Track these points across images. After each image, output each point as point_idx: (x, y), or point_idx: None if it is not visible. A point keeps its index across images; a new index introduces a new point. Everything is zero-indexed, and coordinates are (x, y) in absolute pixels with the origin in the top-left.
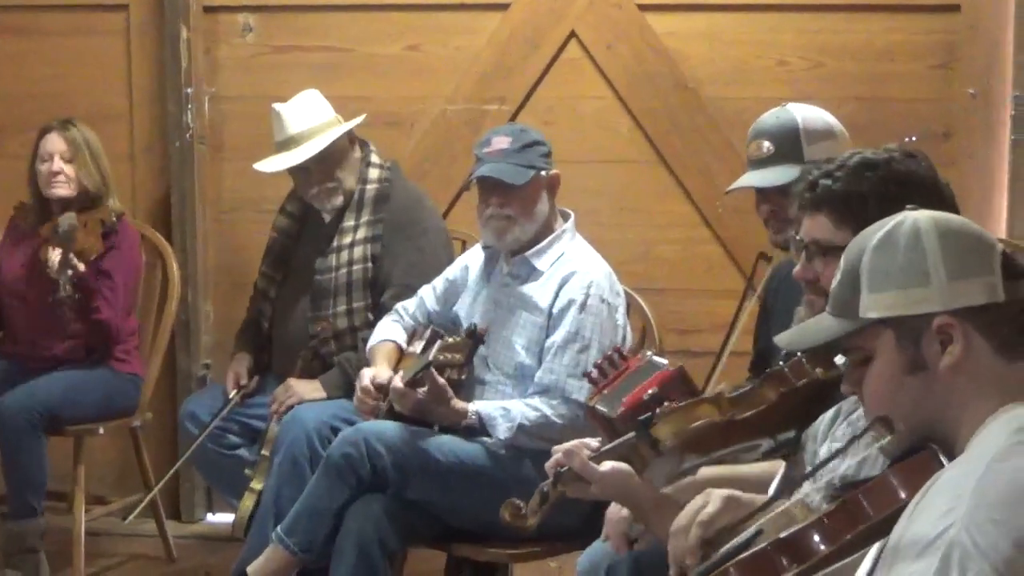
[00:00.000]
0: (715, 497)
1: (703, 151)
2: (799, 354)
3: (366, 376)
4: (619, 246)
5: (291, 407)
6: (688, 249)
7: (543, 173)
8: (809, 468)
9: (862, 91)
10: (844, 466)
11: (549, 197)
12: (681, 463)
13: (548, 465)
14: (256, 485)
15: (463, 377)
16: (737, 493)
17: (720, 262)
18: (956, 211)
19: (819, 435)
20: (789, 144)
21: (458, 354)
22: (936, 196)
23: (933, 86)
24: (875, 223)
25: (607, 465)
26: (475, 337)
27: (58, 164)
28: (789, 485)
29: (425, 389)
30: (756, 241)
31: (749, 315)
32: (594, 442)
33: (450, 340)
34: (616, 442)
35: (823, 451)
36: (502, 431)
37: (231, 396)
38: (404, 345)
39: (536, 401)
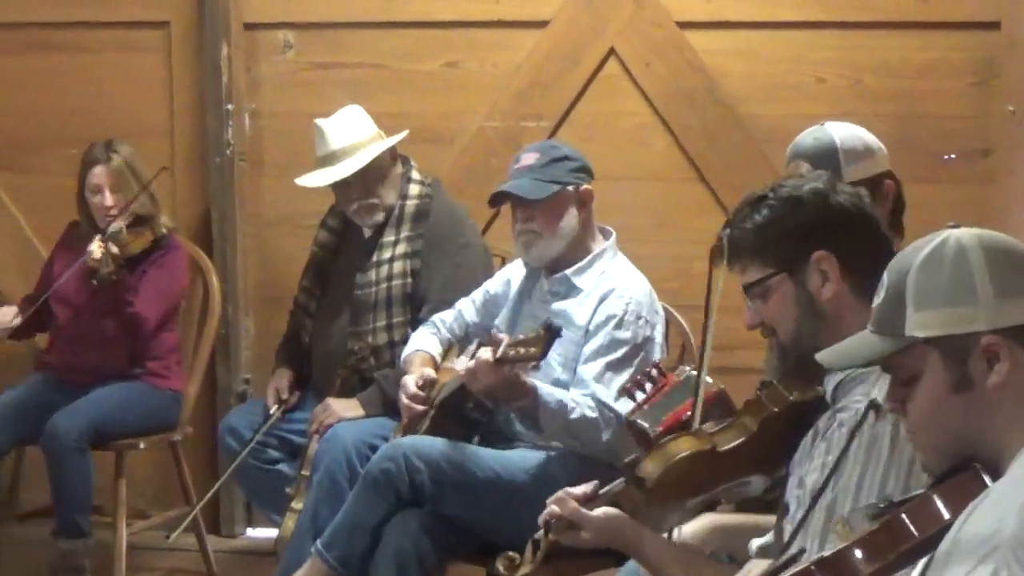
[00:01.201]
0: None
1: (740, 168)
2: (774, 380)
3: (411, 382)
4: (656, 262)
5: (329, 426)
6: None
7: (569, 188)
8: (796, 492)
9: (900, 108)
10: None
11: (579, 212)
12: (675, 506)
13: (541, 517)
14: (297, 505)
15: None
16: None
17: None
18: (853, 219)
19: (802, 459)
20: (827, 164)
21: (533, 348)
22: (827, 204)
23: (972, 103)
24: (917, 241)
25: (600, 511)
26: (551, 331)
27: (109, 199)
28: (780, 518)
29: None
30: None
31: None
32: (577, 490)
33: (521, 336)
34: (607, 487)
35: (803, 472)
36: (551, 423)
37: (272, 411)
38: (439, 357)
39: (587, 402)
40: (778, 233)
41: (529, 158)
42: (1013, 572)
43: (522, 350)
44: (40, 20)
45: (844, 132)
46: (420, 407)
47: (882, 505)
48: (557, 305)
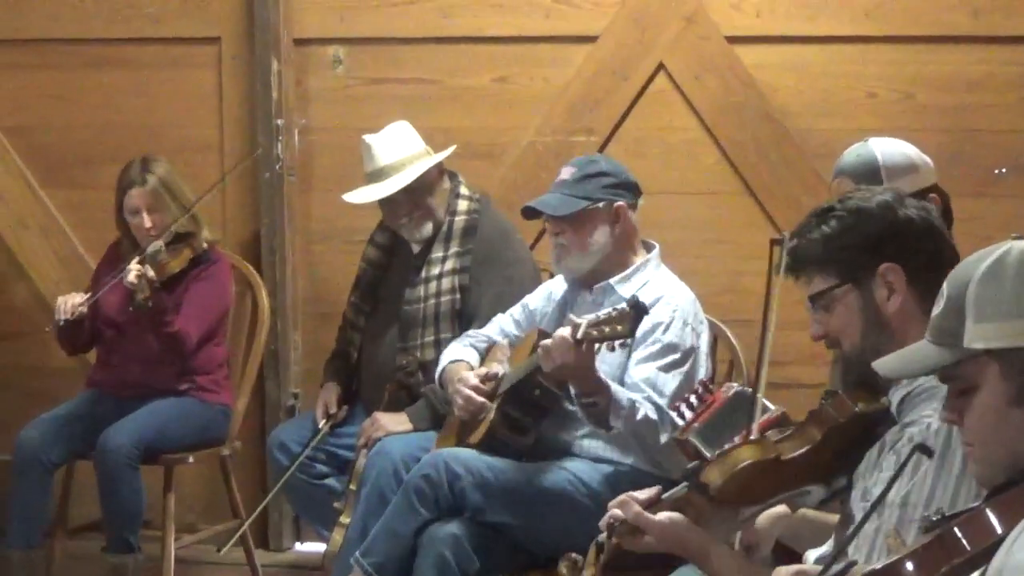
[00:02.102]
0: (783, 573)
1: (790, 182)
2: (839, 391)
3: (470, 377)
4: (706, 277)
5: (378, 440)
6: None
7: (600, 205)
8: (861, 504)
9: (951, 123)
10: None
11: (612, 229)
12: (736, 513)
13: (602, 521)
14: (345, 519)
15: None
16: (806, 569)
17: None
18: (919, 231)
19: (867, 471)
20: (869, 180)
21: (620, 325)
22: (895, 217)
23: (1022, 117)
24: (978, 252)
25: (663, 515)
26: (639, 307)
27: (147, 220)
28: (844, 528)
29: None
30: None
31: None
32: (641, 495)
33: (603, 315)
34: (669, 493)
35: (871, 483)
36: (620, 422)
37: (320, 426)
38: (476, 367)
39: (648, 404)
40: (845, 244)
41: (566, 172)
42: None
43: (607, 329)
44: (93, 36)
45: (887, 147)
46: (480, 400)
47: (935, 518)
48: None
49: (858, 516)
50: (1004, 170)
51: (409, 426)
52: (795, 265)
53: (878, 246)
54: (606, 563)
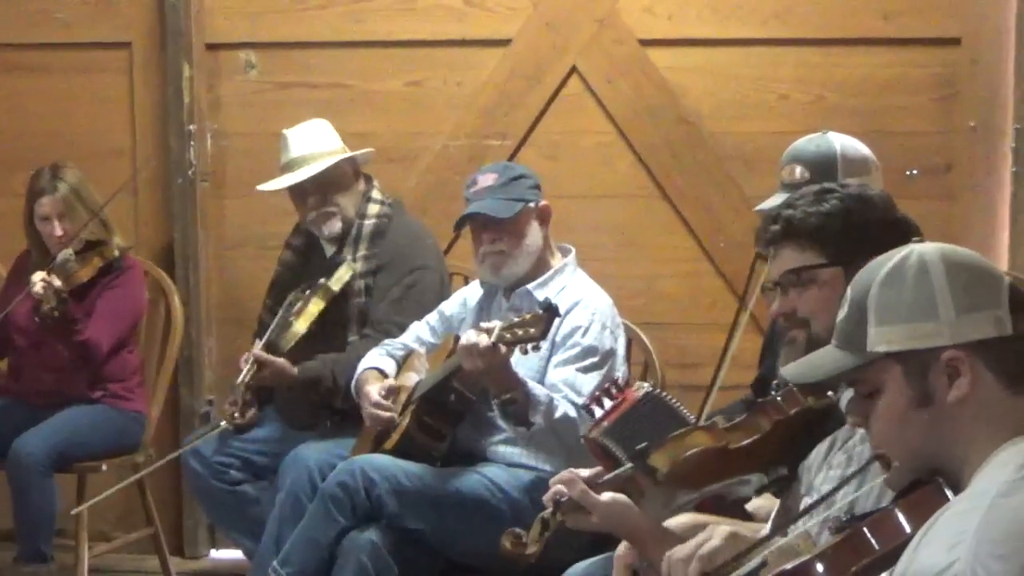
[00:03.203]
0: (718, 532)
1: (705, 185)
2: (791, 384)
3: (373, 392)
4: (621, 280)
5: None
6: (690, 283)
7: (531, 204)
8: (805, 499)
9: (863, 124)
10: (843, 497)
11: (541, 228)
12: (675, 497)
13: (547, 496)
14: None
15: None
16: (739, 529)
17: (722, 296)
18: (914, 234)
19: (814, 466)
20: (824, 172)
21: (533, 328)
22: (896, 217)
23: (934, 119)
24: (880, 255)
25: (607, 495)
26: (551, 310)
27: (58, 229)
28: (785, 520)
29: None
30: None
31: (746, 346)
32: (584, 472)
33: (516, 319)
34: (613, 473)
35: (818, 480)
36: (539, 417)
37: (222, 424)
38: (392, 376)
39: (566, 402)
40: (844, 226)
41: (487, 179)
42: None
43: (520, 331)
44: (3, 41)
45: (846, 142)
46: (386, 415)
47: (845, 519)
48: None
49: (801, 509)
50: (916, 171)
51: (294, 371)
52: (784, 235)
53: (878, 236)
54: (550, 539)
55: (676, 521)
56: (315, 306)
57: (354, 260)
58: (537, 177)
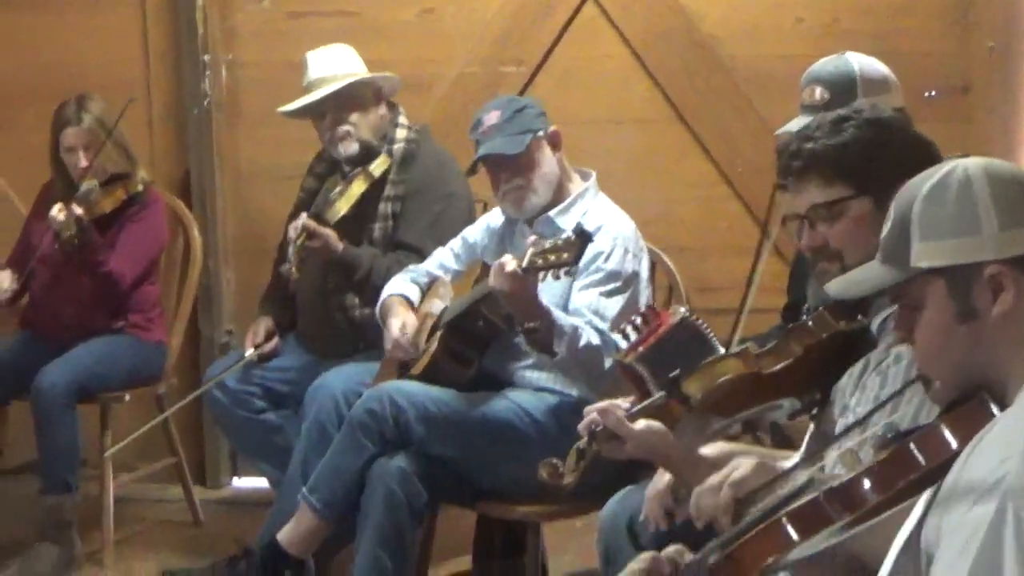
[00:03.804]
0: (746, 463)
1: (721, 109)
2: (822, 308)
3: (395, 328)
4: (639, 206)
5: (310, 231)
6: (708, 207)
7: (540, 133)
8: (840, 421)
9: (879, 47)
10: (880, 418)
11: (555, 154)
12: (709, 423)
13: (582, 425)
14: None
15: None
16: (767, 460)
17: (741, 220)
18: (935, 154)
19: (847, 388)
20: (844, 92)
21: (565, 253)
22: (913, 136)
23: (951, 41)
24: (924, 171)
25: (641, 423)
26: (583, 236)
27: (83, 159)
28: (820, 443)
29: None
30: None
31: (768, 269)
32: (624, 403)
33: (548, 244)
34: (647, 401)
35: (852, 402)
36: (563, 347)
37: (247, 354)
38: (416, 302)
39: (591, 330)
40: (866, 154)
41: (492, 117)
42: (1021, 503)
43: (552, 257)
44: None
45: (864, 62)
46: (407, 346)
47: (890, 435)
48: None
49: (838, 432)
50: (933, 93)
51: (340, 246)
52: (806, 169)
53: (901, 159)
54: (586, 468)
55: (711, 449)
56: (357, 187)
57: (382, 184)
58: (540, 105)
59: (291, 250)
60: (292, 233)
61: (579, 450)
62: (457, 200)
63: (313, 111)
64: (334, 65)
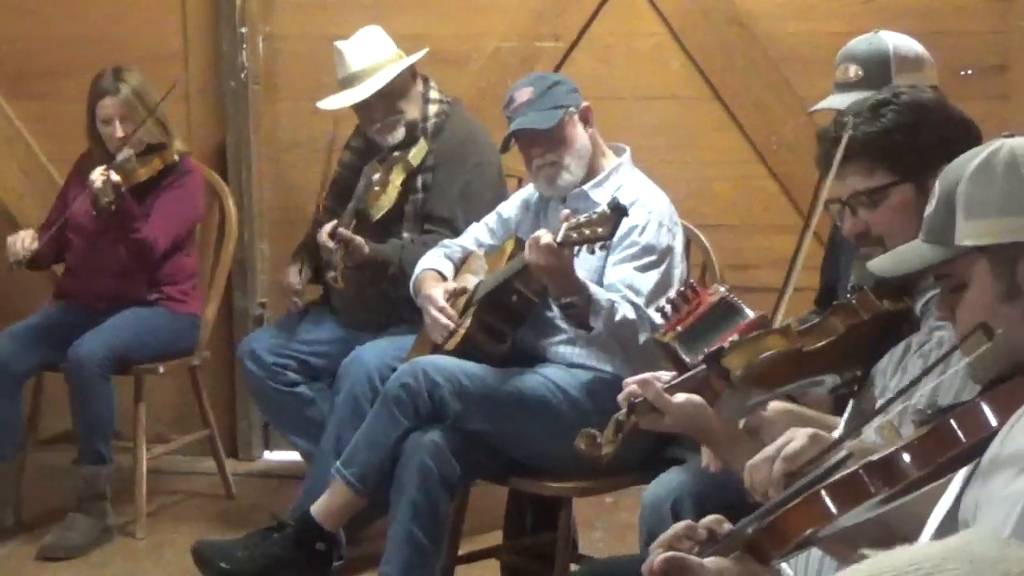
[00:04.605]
0: (800, 434)
1: (758, 86)
2: (865, 287)
3: (438, 295)
4: (674, 182)
5: (345, 240)
6: (743, 185)
7: (572, 108)
8: (880, 402)
9: (917, 24)
10: (918, 396)
11: (587, 129)
12: (748, 397)
13: (622, 396)
14: None
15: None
16: (821, 432)
17: (776, 199)
18: (975, 133)
19: (888, 369)
20: (878, 71)
21: (600, 228)
22: (950, 115)
23: (989, 19)
24: (968, 151)
25: (680, 396)
26: (619, 210)
27: (119, 130)
28: (860, 419)
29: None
30: (812, 177)
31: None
32: (665, 375)
33: (583, 218)
34: (687, 374)
35: (893, 383)
36: (599, 322)
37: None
38: (450, 277)
39: (626, 304)
40: (906, 140)
41: (524, 94)
42: None
43: (587, 231)
44: None
45: (898, 41)
46: (445, 322)
47: (930, 411)
48: None
49: (877, 407)
50: (969, 71)
51: (366, 249)
52: (844, 157)
53: (941, 142)
54: (624, 440)
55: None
56: (397, 176)
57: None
58: (571, 81)
59: (333, 259)
60: (324, 238)
61: (618, 421)
62: (486, 169)
63: (357, 103)
64: (371, 53)
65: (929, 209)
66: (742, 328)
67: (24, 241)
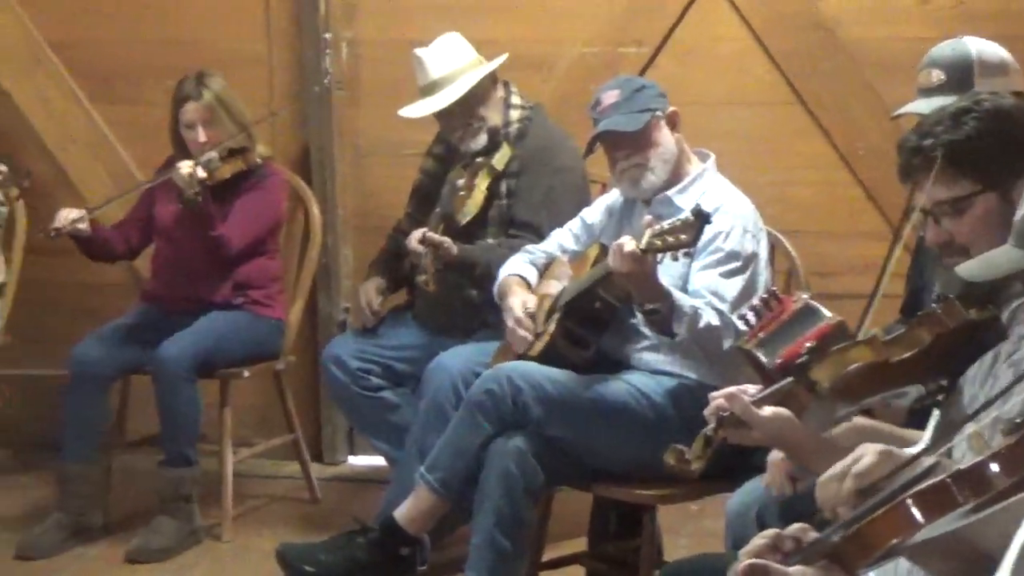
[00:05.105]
0: (871, 450)
1: (842, 92)
2: (951, 295)
3: (517, 307)
4: (756, 188)
5: (434, 244)
6: (827, 191)
7: (659, 113)
8: (960, 411)
9: (1005, 29)
10: (1010, 406)
11: (673, 134)
12: (835, 409)
13: (708, 410)
14: None
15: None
16: (893, 448)
17: (861, 205)
18: None
19: (977, 378)
20: (961, 76)
21: (684, 235)
22: None
23: None
24: None
25: (768, 410)
26: (702, 216)
27: (202, 135)
28: (949, 429)
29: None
30: (897, 183)
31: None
32: (751, 388)
33: (667, 224)
34: (774, 387)
35: (982, 394)
36: (683, 329)
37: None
38: (533, 283)
39: (711, 310)
40: (989, 149)
41: (611, 96)
42: None
43: (671, 238)
44: None
45: (982, 46)
46: (523, 334)
47: (1018, 420)
48: None
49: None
50: None
51: (455, 250)
52: (927, 166)
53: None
54: (713, 455)
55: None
56: (482, 181)
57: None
58: (659, 86)
59: (423, 263)
60: (414, 244)
61: (706, 436)
62: (569, 174)
63: (439, 111)
64: (451, 60)
65: (1018, 215)
66: (819, 333)
67: (71, 215)
